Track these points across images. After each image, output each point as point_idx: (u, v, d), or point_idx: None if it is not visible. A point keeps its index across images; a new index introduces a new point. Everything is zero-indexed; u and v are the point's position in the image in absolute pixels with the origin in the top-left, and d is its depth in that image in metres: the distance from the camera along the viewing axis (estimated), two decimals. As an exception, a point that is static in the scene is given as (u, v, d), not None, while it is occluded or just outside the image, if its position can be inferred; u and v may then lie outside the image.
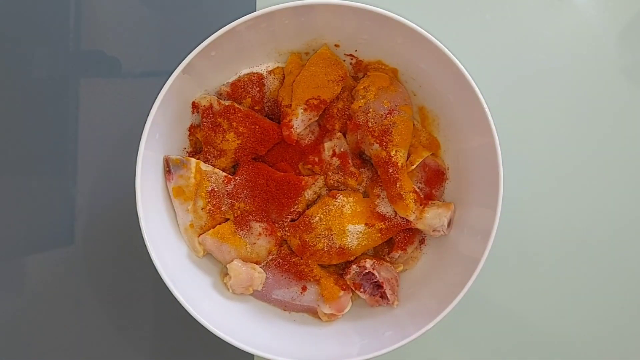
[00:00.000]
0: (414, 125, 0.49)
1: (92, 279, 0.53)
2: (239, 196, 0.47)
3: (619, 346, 0.56)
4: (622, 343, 0.56)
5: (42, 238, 0.54)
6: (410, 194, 0.47)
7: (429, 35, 0.42)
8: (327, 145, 0.48)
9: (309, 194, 0.48)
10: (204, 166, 0.47)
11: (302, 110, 0.47)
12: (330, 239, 0.47)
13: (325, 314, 0.48)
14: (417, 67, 0.46)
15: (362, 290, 0.48)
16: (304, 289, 0.48)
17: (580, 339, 0.56)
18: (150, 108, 0.42)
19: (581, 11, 0.57)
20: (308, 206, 0.48)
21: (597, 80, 0.57)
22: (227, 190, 0.47)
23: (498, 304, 0.56)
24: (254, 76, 0.48)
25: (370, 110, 0.47)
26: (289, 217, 0.48)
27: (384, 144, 0.47)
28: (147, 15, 0.56)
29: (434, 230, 0.47)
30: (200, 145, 0.49)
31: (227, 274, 0.47)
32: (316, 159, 0.48)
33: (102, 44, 0.55)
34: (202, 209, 0.47)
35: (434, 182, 0.49)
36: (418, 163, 0.48)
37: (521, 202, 0.56)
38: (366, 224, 0.47)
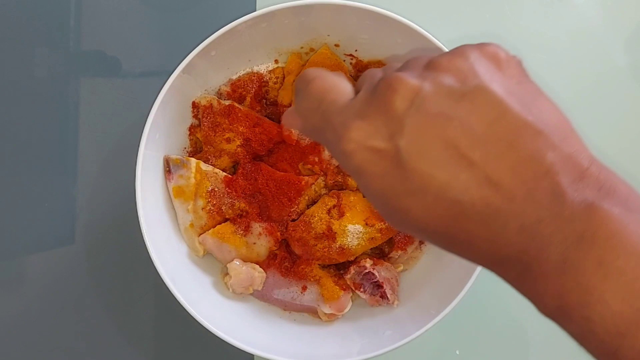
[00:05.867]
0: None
1: (93, 279, 0.53)
2: (239, 196, 0.47)
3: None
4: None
5: (43, 238, 0.54)
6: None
7: (429, 35, 0.42)
8: (327, 145, 0.48)
9: (309, 194, 0.48)
10: (204, 166, 0.47)
11: (302, 110, 0.47)
12: (330, 238, 0.47)
13: (326, 313, 0.48)
14: (417, 67, 0.46)
15: (362, 290, 0.48)
16: (304, 288, 0.48)
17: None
18: (150, 108, 0.43)
19: (581, 10, 0.57)
20: (308, 206, 0.48)
21: (599, 81, 0.57)
22: (227, 190, 0.47)
23: (498, 304, 0.56)
24: (254, 76, 0.48)
25: (370, 110, 0.47)
26: (289, 217, 0.48)
27: (384, 143, 0.46)
28: (147, 15, 0.55)
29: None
30: (200, 145, 0.49)
31: (227, 274, 0.47)
32: (316, 159, 0.48)
33: (102, 44, 0.55)
34: (202, 209, 0.47)
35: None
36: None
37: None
38: (366, 224, 0.47)
